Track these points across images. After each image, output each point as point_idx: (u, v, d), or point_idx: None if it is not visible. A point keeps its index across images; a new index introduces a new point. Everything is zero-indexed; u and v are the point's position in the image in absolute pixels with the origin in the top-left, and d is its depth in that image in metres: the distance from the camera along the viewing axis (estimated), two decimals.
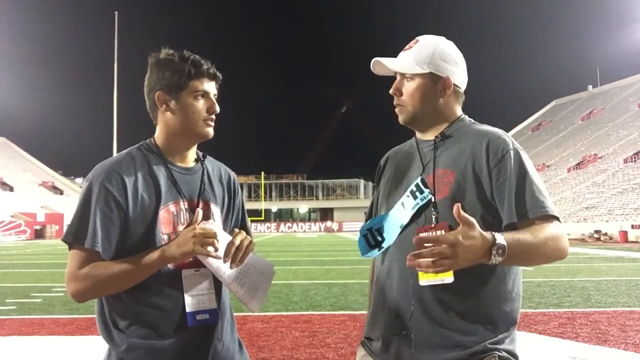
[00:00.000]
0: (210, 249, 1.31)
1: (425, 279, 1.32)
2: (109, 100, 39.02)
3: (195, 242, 1.28)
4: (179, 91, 1.40)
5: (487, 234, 1.14)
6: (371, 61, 1.45)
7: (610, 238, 28.12)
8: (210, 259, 1.34)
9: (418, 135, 1.51)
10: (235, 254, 1.36)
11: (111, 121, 38.58)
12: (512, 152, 1.31)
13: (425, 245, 1.12)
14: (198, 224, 1.34)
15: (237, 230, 1.43)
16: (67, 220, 43.79)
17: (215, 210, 1.49)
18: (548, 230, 1.23)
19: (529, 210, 1.25)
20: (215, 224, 1.40)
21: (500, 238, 1.15)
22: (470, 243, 1.11)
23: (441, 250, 1.10)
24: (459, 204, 1.16)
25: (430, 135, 1.46)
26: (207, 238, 1.30)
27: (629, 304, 6.85)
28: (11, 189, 51.58)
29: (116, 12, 39.47)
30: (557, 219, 1.27)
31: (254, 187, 68.61)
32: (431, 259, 1.11)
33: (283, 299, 7.33)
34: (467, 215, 1.14)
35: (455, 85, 1.44)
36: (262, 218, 60.36)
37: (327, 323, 5.72)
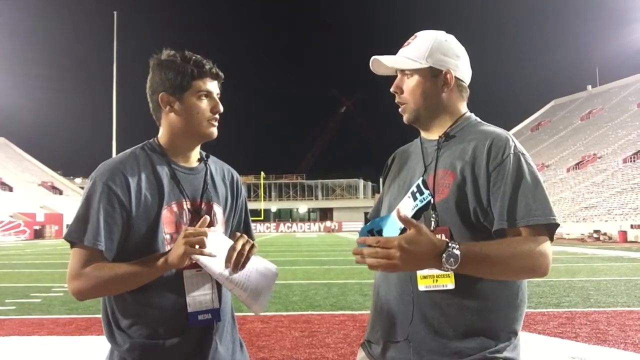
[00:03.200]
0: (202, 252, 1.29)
1: (424, 284, 1.29)
2: (109, 100, 39.03)
3: (185, 242, 1.26)
4: (182, 92, 1.40)
5: (439, 241, 1.14)
6: (370, 61, 1.43)
7: (610, 238, 28.13)
8: (211, 265, 1.32)
9: (423, 134, 1.48)
10: (237, 259, 1.36)
11: (110, 121, 38.57)
12: (512, 156, 1.26)
13: (367, 245, 1.15)
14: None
15: (238, 234, 1.43)
16: (67, 220, 43.98)
17: (218, 210, 1.49)
18: (524, 245, 1.19)
19: (519, 218, 1.21)
20: (217, 229, 1.38)
21: (454, 247, 1.14)
22: (415, 249, 1.12)
23: (383, 253, 1.12)
24: (398, 209, 1.17)
25: (434, 135, 1.42)
26: (195, 237, 1.26)
27: (628, 304, 6.86)
28: (10, 189, 51.53)
29: (115, 12, 39.46)
30: (551, 228, 1.23)
31: (253, 187, 68.56)
32: (374, 259, 1.13)
33: (282, 299, 7.33)
34: (412, 220, 1.15)
35: (457, 79, 1.40)
36: (262, 218, 60.35)
37: (327, 323, 5.72)
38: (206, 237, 1.30)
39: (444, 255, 1.13)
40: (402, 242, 1.11)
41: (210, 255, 1.31)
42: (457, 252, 1.13)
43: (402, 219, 1.16)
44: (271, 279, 1.47)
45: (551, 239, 1.24)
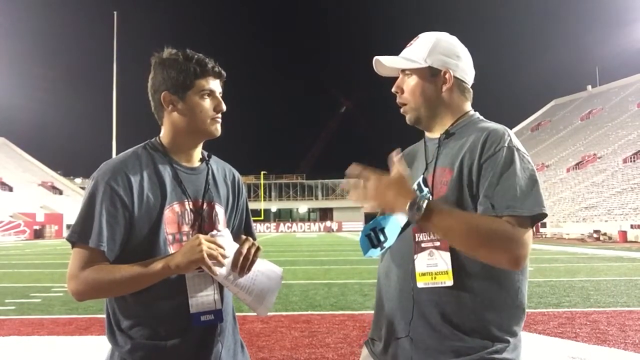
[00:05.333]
0: (216, 264, 1.30)
1: (423, 281, 1.30)
2: (109, 100, 39.03)
3: (204, 250, 1.26)
4: (185, 91, 1.39)
5: (413, 190, 1.22)
6: (372, 61, 1.44)
7: (610, 238, 28.13)
8: (217, 269, 1.31)
9: (427, 133, 1.49)
10: (243, 263, 1.35)
11: (110, 121, 38.56)
12: (505, 149, 1.25)
13: (351, 176, 1.24)
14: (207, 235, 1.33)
15: (243, 237, 1.42)
16: (67, 220, 44.04)
17: (220, 210, 1.48)
18: (504, 226, 1.17)
19: (503, 207, 1.19)
20: (224, 235, 1.38)
21: (423, 199, 1.18)
22: (387, 187, 1.19)
23: (359, 184, 1.21)
24: (399, 150, 1.26)
25: (437, 133, 1.43)
26: (213, 250, 1.28)
27: (628, 304, 6.86)
28: (10, 189, 51.52)
29: (115, 12, 39.47)
30: (536, 218, 1.20)
31: (253, 187, 68.54)
32: (353, 187, 1.23)
33: (282, 299, 7.32)
34: (398, 165, 1.23)
35: (458, 79, 1.40)
36: (262, 218, 60.31)
37: (327, 323, 5.72)
38: (224, 254, 1.31)
39: (409, 202, 1.18)
40: (379, 177, 1.20)
41: (221, 265, 1.31)
42: (424, 204, 1.18)
43: (391, 160, 1.23)
44: (276, 282, 1.46)
45: (532, 226, 1.23)
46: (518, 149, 1.27)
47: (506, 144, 1.26)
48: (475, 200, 1.27)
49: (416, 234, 1.34)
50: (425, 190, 1.35)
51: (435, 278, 1.28)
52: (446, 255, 1.28)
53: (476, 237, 1.18)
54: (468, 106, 1.45)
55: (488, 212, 1.21)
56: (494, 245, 1.18)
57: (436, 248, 1.30)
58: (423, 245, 1.31)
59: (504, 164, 1.23)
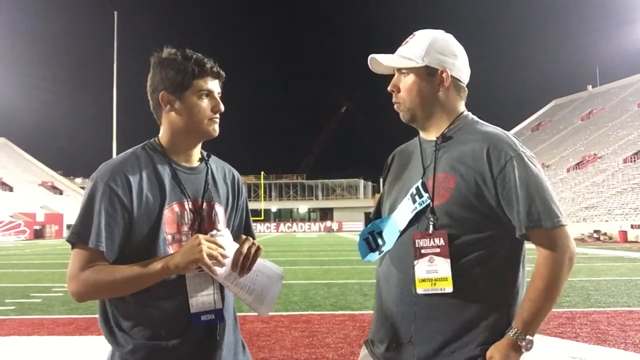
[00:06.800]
0: (216, 264, 1.29)
1: (423, 287, 1.30)
2: (109, 100, 39.01)
3: (204, 249, 1.26)
4: (183, 91, 1.39)
5: (504, 341, 1.23)
6: (368, 60, 1.43)
7: (610, 238, 28.11)
8: (217, 269, 1.31)
9: (421, 134, 1.47)
10: (243, 263, 1.35)
11: (111, 121, 38.55)
12: (515, 159, 1.25)
13: None
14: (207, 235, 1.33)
15: (243, 237, 1.42)
16: (67, 220, 44.02)
17: (219, 210, 1.48)
18: (548, 267, 1.22)
19: (533, 221, 1.22)
20: (224, 235, 1.37)
21: (515, 331, 1.22)
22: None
23: None
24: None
25: (432, 134, 1.42)
26: (214, 250, 1.28)
27: (629, 304, 6.86)
28: (11, 189, 51.51)
29: (115, 12, 39.46)
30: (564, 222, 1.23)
31: (253, 187, 68.48)
32: None
33: (283, 299, 7.32)
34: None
35: (454, 78, 1.39)
36: (262, 218, 60.26)
37: (327, 323, 5.72)
38: (224, 254, 1.30)
39: (514, 345, 1.21)
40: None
41: (221, 264, 1.30)
42: (522, 336, 1.21)
43: None
44: (277, 282, 1.45)
45: (564, 223, 1.24)
46: (525, 152, 1.28)
47: (513, 152, 1.27)
48: (485, 209, 1.27)
49: (416, 240, 1.33)
50: (425, 195, 1.34)
51: (435, 284, 1.28)
52: (446, 262, 1.28)
53: (559, 288, 1.23)
54: (462, 106, 1.44)
55: (522, 230, 1.23)
56: (561, 279, 1.23)
57: (436, 254, 1.29)
58: (423, 251, 1.31)
59: (519, 177, 1.24)
